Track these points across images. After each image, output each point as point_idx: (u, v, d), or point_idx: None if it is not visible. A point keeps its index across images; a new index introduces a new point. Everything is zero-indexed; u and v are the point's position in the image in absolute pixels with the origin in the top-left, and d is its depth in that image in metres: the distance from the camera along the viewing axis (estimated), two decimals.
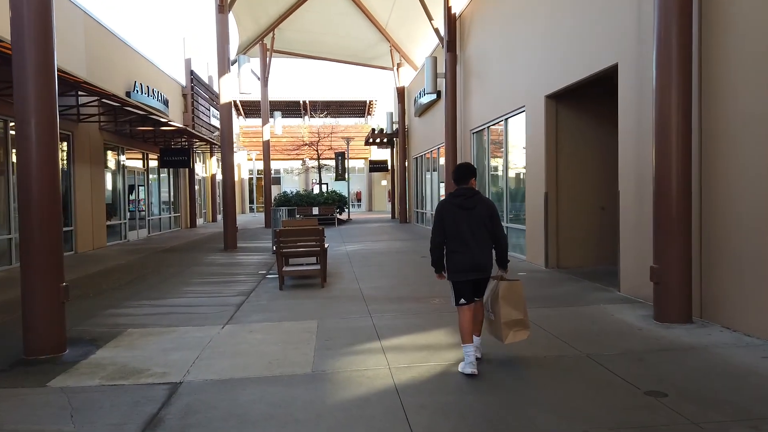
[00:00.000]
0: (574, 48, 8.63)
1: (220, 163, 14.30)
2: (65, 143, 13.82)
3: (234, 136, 41.04)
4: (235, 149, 38.84)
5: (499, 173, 13.10)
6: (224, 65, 14.59)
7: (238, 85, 14.98)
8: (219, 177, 33.20)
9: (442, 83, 15.69)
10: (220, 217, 31.95)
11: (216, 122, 28.51)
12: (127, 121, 16.34)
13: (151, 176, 20.40)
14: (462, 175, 4.59)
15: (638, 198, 6.98)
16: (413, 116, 23.42)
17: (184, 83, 24.27)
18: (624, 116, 7.36)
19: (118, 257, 13.14)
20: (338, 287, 8.63)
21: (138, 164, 19.21)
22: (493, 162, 13.41)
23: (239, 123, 42.02)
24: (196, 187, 26.16)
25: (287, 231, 8.87)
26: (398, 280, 9.23)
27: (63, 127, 13.67)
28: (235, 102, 41.22)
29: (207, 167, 29.79)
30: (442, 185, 18.10)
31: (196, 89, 25.17)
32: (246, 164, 42.34)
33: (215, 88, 27.59)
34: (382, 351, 5.12)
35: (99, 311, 7.06)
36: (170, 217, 22.38)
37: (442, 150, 18.25)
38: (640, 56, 6.82)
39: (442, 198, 4.47)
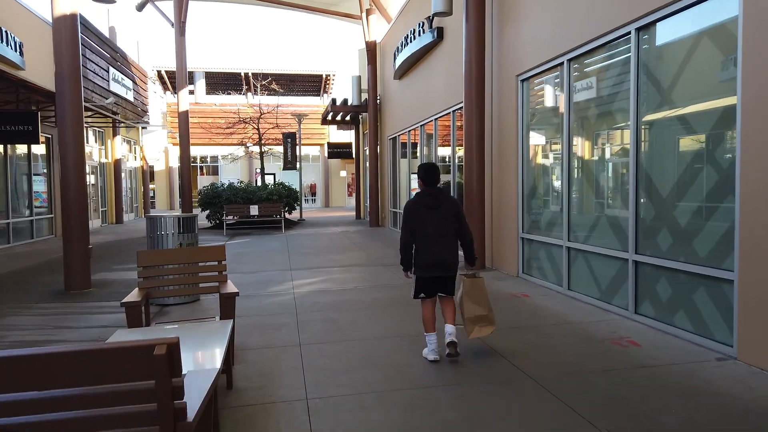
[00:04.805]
0: None
1: (57, 130, 7.36)
2: None
3: (160, 114, 33.69)
4: (153, 127, 31.49)
5: (588, 149, 6.78)
6: None
7: None
8: (132, 164, 25.71)
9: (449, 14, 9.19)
10: (129, 216, 24.55)
11: (119, 89, 21.08)
12: None
13: None
14: (434, 177, 4.61)
15: None
16: (390, 80, 16.91)
17: None
18: None
19: None
20: None
21: None
22: (581, 127, 7.04)
23: (166, 99, 34.49)
24: (89, 178, 18.77)
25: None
26: None
27: None
28: (159, 72, 33.75)
29: (108, 150, 22.39)
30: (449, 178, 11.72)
31: (83, 39, 17.77)
32: (174, 149, 34.73)
33: (121, 44, 20.47)
34: None
35: None
36: (32, 221, 15.05)
37: (443, 122, 11.83)
38: None
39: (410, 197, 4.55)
